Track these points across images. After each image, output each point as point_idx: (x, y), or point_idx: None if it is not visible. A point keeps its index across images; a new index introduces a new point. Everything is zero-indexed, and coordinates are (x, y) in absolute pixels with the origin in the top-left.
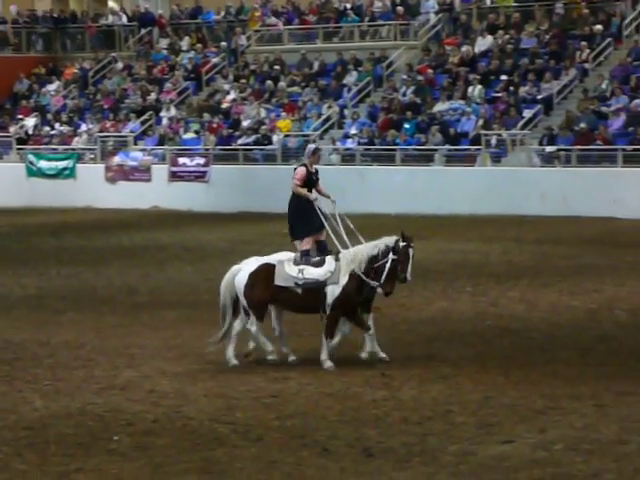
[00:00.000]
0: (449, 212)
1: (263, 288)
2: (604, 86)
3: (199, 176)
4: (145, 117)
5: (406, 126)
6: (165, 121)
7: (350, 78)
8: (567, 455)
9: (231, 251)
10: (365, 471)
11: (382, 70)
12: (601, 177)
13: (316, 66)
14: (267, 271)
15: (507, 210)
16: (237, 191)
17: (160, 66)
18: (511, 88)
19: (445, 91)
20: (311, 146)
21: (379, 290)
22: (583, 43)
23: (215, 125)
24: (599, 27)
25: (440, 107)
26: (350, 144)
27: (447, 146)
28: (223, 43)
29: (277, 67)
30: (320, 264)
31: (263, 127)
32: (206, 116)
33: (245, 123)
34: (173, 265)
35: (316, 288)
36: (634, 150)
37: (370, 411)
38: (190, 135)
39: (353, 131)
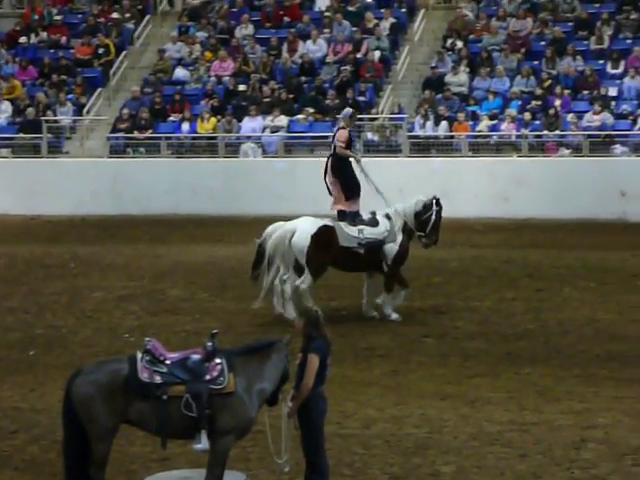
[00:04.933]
0: None
1: (326, 250)
2: None
3: None
4: None
5: None
6: None
7: None
8: None
9: None
10: None
11: None
12: None
13: None
14: (329, 233)
15: None
16: None
17: None
18: None
19: None
20: (349, 110)
21: (424, 240)
22: None
23: None
24: None
25: None
26: None
27: None
28: None
29: None
30: (374, 223)
31: None
32: None
33: None
34: None
35: (376, 247)
36: None
37: None
38: None
39: None
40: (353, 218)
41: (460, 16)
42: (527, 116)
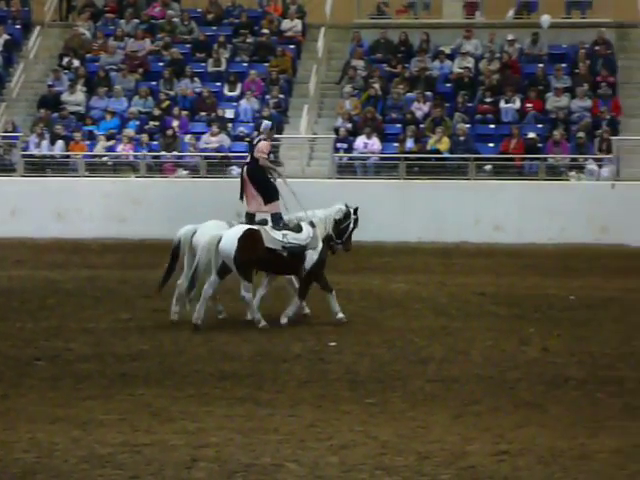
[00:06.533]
0: None
1: (252, 252)
2: None
3: None
4: None
5: None
6: None
7: None
8: None
9: None
10: None
11: None
12: None
13: None
14: (255, 235)
15: None
16: None
17: None
18: None
19: None
20: (267, 122)
21: (340, 247)
22: None
23: None
24: None
25: None
26: None
27: None
28: None
29: None
30: (298, 229)
31: None
32: None
33: None
34: None
35: (299, 252)
36: None
37: None
38: None
39: None
40: (277, 222)
41: (77, 34)
42: (145, 137)
